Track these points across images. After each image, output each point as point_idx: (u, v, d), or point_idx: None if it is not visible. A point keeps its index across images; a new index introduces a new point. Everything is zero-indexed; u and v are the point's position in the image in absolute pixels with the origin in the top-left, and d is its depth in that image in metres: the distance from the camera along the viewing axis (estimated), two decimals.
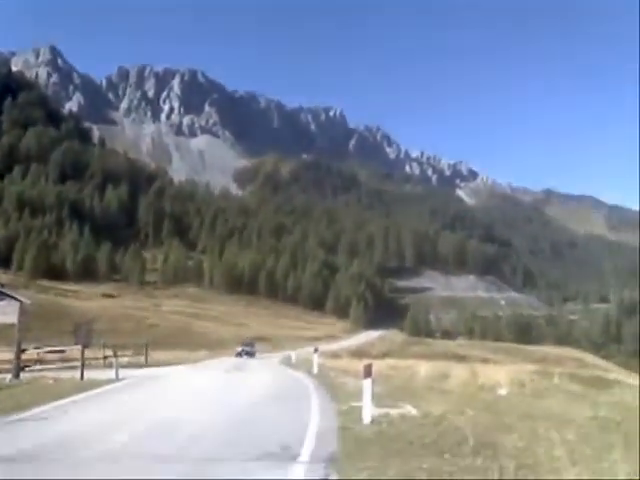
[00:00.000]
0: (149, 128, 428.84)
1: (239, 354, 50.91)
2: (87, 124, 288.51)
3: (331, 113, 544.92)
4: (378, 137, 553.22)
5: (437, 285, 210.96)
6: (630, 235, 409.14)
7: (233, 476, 6.06)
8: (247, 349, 52.75)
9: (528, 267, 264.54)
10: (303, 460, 6.81)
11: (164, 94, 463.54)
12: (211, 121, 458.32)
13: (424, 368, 24.11)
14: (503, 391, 16.54)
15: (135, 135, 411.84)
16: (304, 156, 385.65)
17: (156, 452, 7.19)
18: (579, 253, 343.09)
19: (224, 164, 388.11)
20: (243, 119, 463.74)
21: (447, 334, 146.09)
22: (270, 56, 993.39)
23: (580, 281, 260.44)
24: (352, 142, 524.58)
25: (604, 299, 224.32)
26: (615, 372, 64.28)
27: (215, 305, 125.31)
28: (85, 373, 19.82)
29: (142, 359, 33.31)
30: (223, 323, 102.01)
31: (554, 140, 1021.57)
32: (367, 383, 9.83)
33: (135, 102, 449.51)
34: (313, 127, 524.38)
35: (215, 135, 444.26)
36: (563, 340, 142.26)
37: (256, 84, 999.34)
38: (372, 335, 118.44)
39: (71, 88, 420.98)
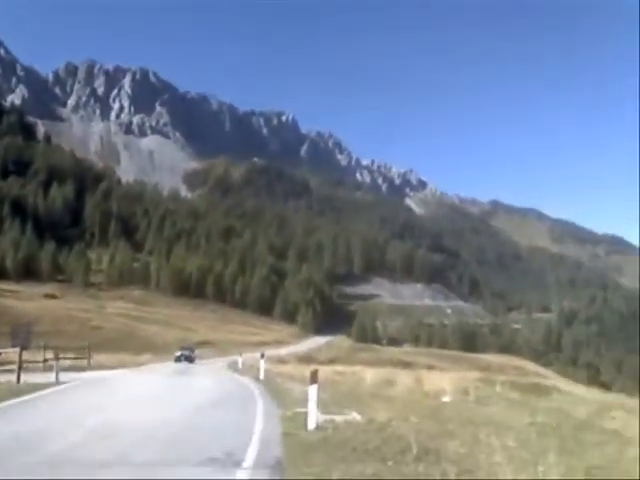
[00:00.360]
0: (98, 126, 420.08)
1: (178, 359, 48.24)
2: (31, 119, 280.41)
3: (283, 118, 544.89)
4: (330, 144, 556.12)
5: (385, 292, 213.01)
6: (572, 248, 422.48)
7: None
8: (186, 354, 49.77)
9: (474, 277, 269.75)
10: (247, 466, 6.75)
11: (114, 92, 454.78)
12: (162, 121, 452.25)
13: (370, 375, 24.27)
14: (447, 398, 16.78)
15: (83, 133, 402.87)
16: (255, 160, 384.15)
17: (96, 458, 6.97)
18: (523, 264, 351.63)
19: (174, 165, 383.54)
20: (194, 121, 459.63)
21: (394, 341, 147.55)
22: (223, 58, 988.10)
23: (523, 291, 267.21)
24: (304, 148, 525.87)
25: (546, 309, 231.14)
26: (554, 379, 66.14)
27: (161, 308, 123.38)
28: (23, 377, 18.98)
29: (85, 362, 32.45)
30: (169, 327, 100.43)
31: (501, 153, 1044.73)
32: (313, 389, 9.81)
33: (84, 99, 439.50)
34: (265, 131, 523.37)
35: (165, 136, 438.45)
36: (506, 348, 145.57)
37: (208, 86, 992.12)
38: (320, 341, 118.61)
39: (14, 80, 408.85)
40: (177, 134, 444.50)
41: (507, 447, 8.48)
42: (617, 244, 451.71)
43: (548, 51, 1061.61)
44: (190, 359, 48.84)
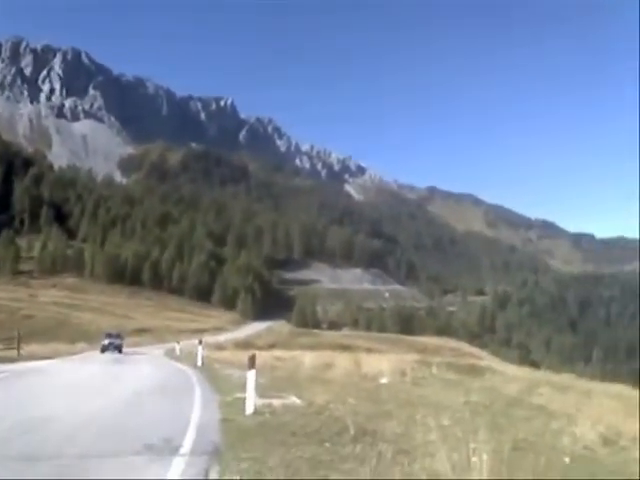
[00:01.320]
0: (26, 108, 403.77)
1: (105, 348, 42.87)
2: None
3: (222, 103, 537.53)
4: (269, 129, 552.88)
5: (324, 277, 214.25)
6: (506, 232, 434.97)
7: (112, 471, 5.81)
8: (114, 341, 44.27)
9: (412, 261, 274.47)
10: (184, 452, 6.68)
11: (43, 73, 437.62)
12: (96, 105, 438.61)
13: (309, 359, 24.40)
14: (385, 380, 17.05)
15: (10, 115, 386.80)
16: (193, 145, 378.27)
17: (26, 452, 6.69)
18: (459, 248, 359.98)
19: (108, 150, 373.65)
20: (130, 105, 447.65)
21: (333, 325, 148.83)
22: (159, 41, 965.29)
23: (459, 275, 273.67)
24: (243, 133, 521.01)
25: (480, 292, 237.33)
26: (488, 360, 68.20)
27: (96, 296, 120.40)
28: None
29: (14, 352, 31.37)
30: (104, 314, 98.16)
31: (438, 139, 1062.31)
32: (251, 374, 9.80)
33: (9, 78, 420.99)
34: (203, 116, 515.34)
35: (99, 120, 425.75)
36: (442, 331, 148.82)
37: (144, 69, 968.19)
38: (259, 327, 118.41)
39: None
40: (112, 118, 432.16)
41: (442, 426, 8.68)
42: (548, 229, 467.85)
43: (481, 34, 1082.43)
44: (118, 347, 43.52)
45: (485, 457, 4.94)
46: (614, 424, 9.39)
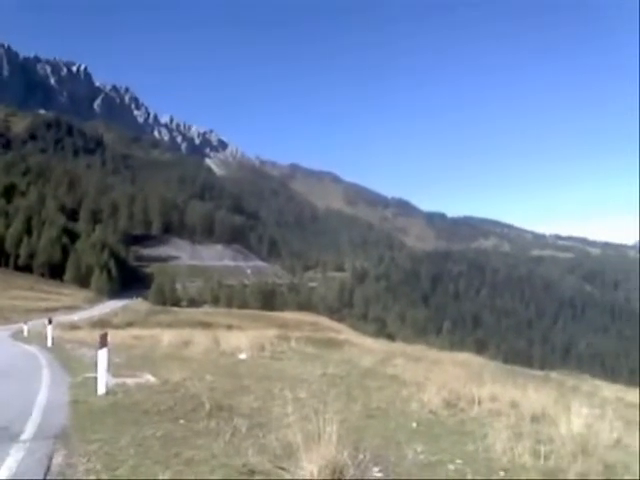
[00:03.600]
0: None
1: None
2: None
3: (74, 68, 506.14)
4: (126, 99, 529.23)
5: (184, 254, 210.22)
6: (364, 210, 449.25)
7: None
8: None
9: (273, 237, 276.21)
10: (26, 438, 6.29)
11: None
12: None
13: (167, 337, 23.90)
14: (243, 355, 17.08)
15: None
16: (41, 112, 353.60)
17: None
18: (319, 225, 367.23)
19: None
20: None
21: (193, 302, 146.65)
22: None
23: (320, 251, 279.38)
24: (97, 102, 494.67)
25: (340, 268, 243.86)
26: (346, 334, 70.56)
27: None
28: None
29: None
30: None
31: (301, 116, 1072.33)
32: (102, 353, 9.43)
33: None
34: (52, 81, 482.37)
35: None
36: (303, 306, 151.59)
37: None
38: (115, 305, 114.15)
39: None
40: None
41: (299, 399, 8.85)
42: (404, 207, 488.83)
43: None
44: None
45: (335, 426, 5.07)
46: (456, 389, 10.06)
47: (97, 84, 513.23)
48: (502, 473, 5.97)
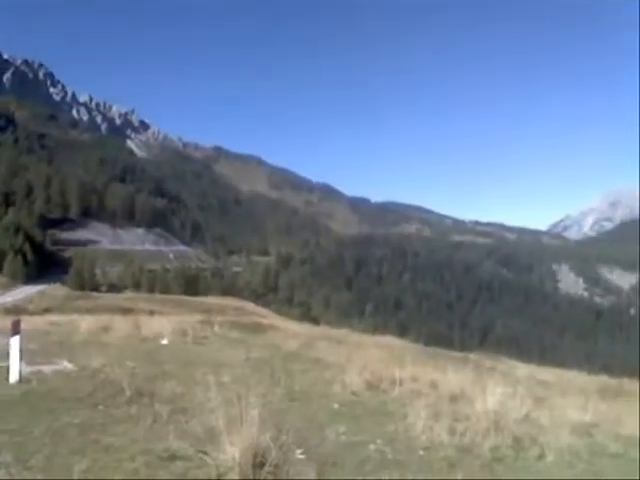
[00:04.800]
0: None
1: None
2: None
3: None
4: (40, 74, 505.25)
5: (104, 238, 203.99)
6: (289, 194, 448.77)
7: None
8: None
9: (197, 221, 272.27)
10: None
11: None
12: None
13: (87, 322, 23.18)
14: (165, 341, 16.81)
15: None
16: None
17: None
18: (244, 209, 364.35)
19: None
20: None
21: (114, 288, 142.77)
22: None
23: (244, 236, 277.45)
24: (7, 76, 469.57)
25: (265, 252, 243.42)
26: (271, 318, 70.70)
27: None
28: None
29: None
30: None
31: (224, 97, 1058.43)
32: (15, 340, 9.05)
33: None
34: None
35: None
36: (228, 291, 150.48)
37: None
38: (31, 290, 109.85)
39: None
40: None
41: (223, 383, 8.78)
42: (328, 192, 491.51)
43: None
44: None
45: (257, 410, 5.07)
46: (378, 371, 10.26)
47: (5, 57, 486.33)
48: (421, 452, 6.15)
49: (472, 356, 34.73)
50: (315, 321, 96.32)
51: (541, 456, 6.27)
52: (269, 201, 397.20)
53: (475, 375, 11.93)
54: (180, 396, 7.95)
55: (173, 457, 5.05)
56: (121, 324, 22.24)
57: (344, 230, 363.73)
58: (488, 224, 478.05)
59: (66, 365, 10.69)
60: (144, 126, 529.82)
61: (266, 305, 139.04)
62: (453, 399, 8.53)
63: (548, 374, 25.48)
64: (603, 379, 26.08)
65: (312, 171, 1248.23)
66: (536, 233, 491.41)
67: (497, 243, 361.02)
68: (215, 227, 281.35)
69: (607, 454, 6.68)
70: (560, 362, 62.87)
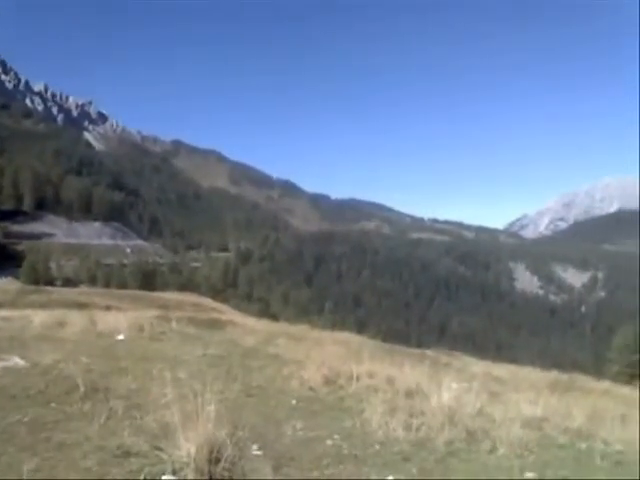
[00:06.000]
0: None
1: None
2: None
3: None
4: None
5: (59, 231, 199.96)
6: (249, 190, 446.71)
7: None
8: None
9: (155, 216, 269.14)
10: None
11: None
12: None
13: (40, 317, 22.67)
14: (121, 336, 16.58)
15: None
16: None
17: None
18: (203, 204, 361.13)
19: None
20: None
21: (69, 282, 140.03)
22: None
23: (203, 231, 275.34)
24: None
25: (224, 248, 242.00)
26: (230, 314, 70.31)
27: None
28: None
29: None
30: None
31: (185, 90, 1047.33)
32: None
33: None
34: None
35: None
36: (186, 286, 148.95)
37: None
38: None
39: None
40: None
41: (179, 379, 8.73)
42: (289, 188, 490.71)
43: None
44: None
45: (214, 406, 5.06)
46: (336, 367, 10.32)
47: None
48: (377, 446, 6.22)
49: (429, 352, 35.23)
50: (274, 317, 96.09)
51: (493, 449, 6.44)
52: (229, 196, 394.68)
53: (431, 371, 12.10)
54: (136, 392, 7.87)
55: (127, 454, 5.00)
56: (76, 319, 21.82)
57: (304, 226, 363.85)
58: (446, 222, 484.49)
59: (17, 361, 10.44)
60: (102, 118, 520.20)
61: (225, 301, 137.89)
62: (409, 395, 8.64)
63: (503, 370, 25.99)
64: (555, 375, 26.74)
65: (273, 167, 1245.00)
66: (493, 232, 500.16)
67: (455, 241, 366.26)
68: (174, 222, 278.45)
69: (555, 445, 6.91)
70: (515, 358, 64.24)
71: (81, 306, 61.96)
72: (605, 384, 28.50)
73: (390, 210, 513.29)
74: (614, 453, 6.70)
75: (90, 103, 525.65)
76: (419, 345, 73.78)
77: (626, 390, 26.39)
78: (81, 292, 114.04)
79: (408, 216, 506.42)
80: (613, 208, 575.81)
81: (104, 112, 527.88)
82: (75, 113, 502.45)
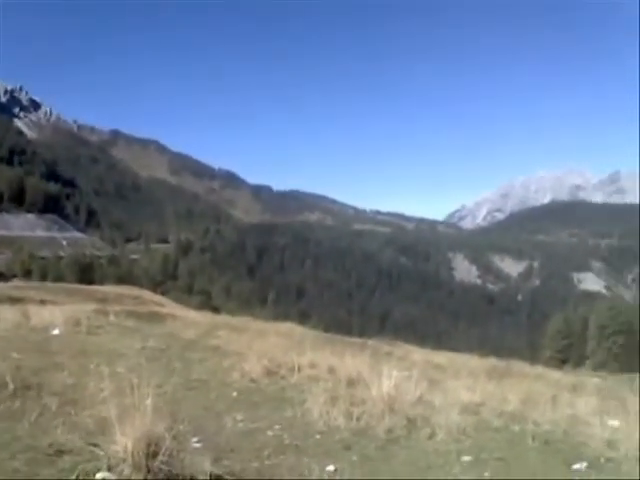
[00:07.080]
0: None
1: None
2: None
3: None
4: None
5: None
6: (190, 181, 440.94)
7: None
8: None
9: (92, 207, 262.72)
10: None
11: None
12: None
13: None
14: (56, 331, 16.12)
15: None
16: None
17: None
18: (142, 195, 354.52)
19: None
20: None
21: (1, 276, 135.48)
22: None
23: (142, 222, 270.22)
24: None
25: (164, 240, 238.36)
26: (170, 307, 69.35)
27: None
28: None
29: None
30: None
31: (120, 79, 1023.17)
32: None
33: None
34: None
35: None
36: (125, 279, 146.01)
37: None
38: None
39: None
40: None
41: (117, 374, 8.53)
42: (231, 179, 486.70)
43: None
44: None
45: (152, 399, 4.96)
46: (277, 358, 10.31)
47: None
48: (318, 436, 6.24)
49: (370, 342, 35.60)
50: (216, 310, 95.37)
51: (432, 435, 6.57)
52: (169, 187, 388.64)
53: (373, 360, 12.22)
54: (71, 388, 7.66)
55: (60, 452, 4.84)
56: (8, 314, 21.09)
57: (246, 218, 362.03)
58: (388, 214, 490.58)
59: None
60: (35, 105, 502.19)
61: (165, 294, 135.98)
62: (350, 384, 8.70)
63: (443, 358, 26.55)
64: (492, 361, 27.51)
65: (214, 158, 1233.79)
66: (433, 223, 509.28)
67: (396, 232, 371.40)
68: (112, 213, 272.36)
69: (491, 429, 7.10)
70: (454, 346, 65.63)
71: (14, 300, 59.79)
72: (538, 369, 29.58)
73: (333, 202, 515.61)
74: (543, 433, 6.97)
75: (21, 89, 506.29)
76: (361, 335, 74.51)
77: (557, 374, 27.45)
78: (14, 286, 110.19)
79: (351, 207, 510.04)
80: (547, 199, 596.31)
81: (36, 99, 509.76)
82: (4, 99, 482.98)
